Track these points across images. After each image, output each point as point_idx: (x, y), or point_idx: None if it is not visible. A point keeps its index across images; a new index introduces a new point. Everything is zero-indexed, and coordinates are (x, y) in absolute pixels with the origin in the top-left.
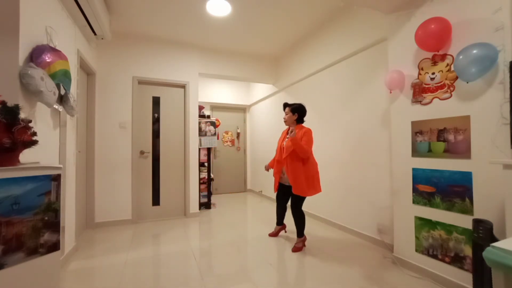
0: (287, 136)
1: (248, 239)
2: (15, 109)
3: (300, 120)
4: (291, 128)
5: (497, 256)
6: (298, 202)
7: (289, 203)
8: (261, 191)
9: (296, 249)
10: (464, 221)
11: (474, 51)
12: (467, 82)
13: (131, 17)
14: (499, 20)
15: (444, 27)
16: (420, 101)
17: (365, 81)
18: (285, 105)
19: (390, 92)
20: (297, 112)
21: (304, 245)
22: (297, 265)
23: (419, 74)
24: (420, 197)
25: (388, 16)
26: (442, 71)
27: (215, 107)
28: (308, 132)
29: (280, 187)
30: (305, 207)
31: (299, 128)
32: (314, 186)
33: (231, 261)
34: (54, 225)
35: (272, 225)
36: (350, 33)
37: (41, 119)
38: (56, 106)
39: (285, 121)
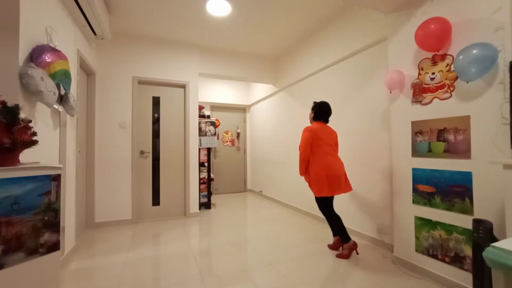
0: None
1: (248, 239)
2: (15, 109)
3: (316, 117)
4: None
5: (497, 256)
6: (317, 204)
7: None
8: (261, 191)
9: (340, 256)
10: (464, 221)
11: (474, 51)
12: (467, 82)
13: (131, 17)
14: (499, 20)
15: (444, 27)
16: (420, 101)
17: (365, 81)
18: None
19: (390, 92)
20: (313, 109)
21: (354, 252)
22: (297, 264)
23: (419, 74)
24: (420, 197)
25: (388, 16)
26: (442, 71)
27: (215, 107)
28: (302, 134)
29: None
30: (304, 206)
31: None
32: (315, 185)
33: (231, 261)
34: (54, 225)
35: (272, 225)
36: (350, 33)
37: (41, 119)
38: (56, 106)
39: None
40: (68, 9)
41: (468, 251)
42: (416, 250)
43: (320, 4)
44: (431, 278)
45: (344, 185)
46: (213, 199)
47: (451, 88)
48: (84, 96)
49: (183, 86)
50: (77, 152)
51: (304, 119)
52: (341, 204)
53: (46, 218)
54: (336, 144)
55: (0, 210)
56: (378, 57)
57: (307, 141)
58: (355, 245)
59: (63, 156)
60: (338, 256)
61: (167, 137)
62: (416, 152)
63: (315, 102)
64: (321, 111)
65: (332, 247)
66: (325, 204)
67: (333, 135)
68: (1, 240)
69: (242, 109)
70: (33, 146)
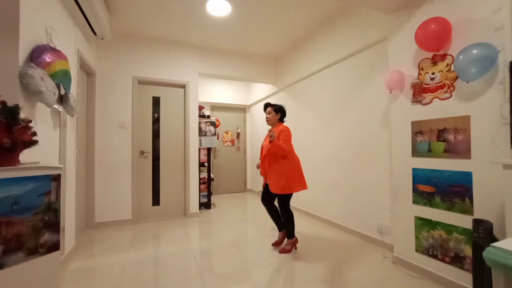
0: (270, 138)
1: (248, 239)
2: (15, 109)
3: (281, 119)
4: (270, 132)
5: (497, 256)
6: (282, 201)
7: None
8: (261, 191)
9: (283, 251)
10: (464, 221)
11: (474, 51)
12: (467, 82)
13: (131, 17)
14: (499, 20)
15: (444, 27)
16: (420, 101)
17: (365, 81)
18: (267, 105)
19: (390, 92)
20: (280, 112)
21: (294, 248)
22: (297, 265)
23: (419, 74)
24: (420, 197)
25: (388, 16)
26: (442, 71)
27: (215, 107)
28: (285, 130)
29: (265, 186)
30: (305, 207)
31: (277, 127)
32: (294, 182)
33: (231, 261)
34: (54, 225)
35: (272, 224)
36: (350, 33)
37: (41, 119)
38: (56, 106)
39: (267, 120)
40: (68, 9)
41: (468, 251)
42: (416, 250)
43: (320, 4)
44: (431, 278)
45: None
46: (213, 199)
47: (451, 88)
48: (84, 96)
49: (183, 86)
50: (77, 152)
51: (303, 119)
52: (341, 204)
53: (46, 218)
54: None
55: (0, 210)
56: (378, 57)
57: (290, 137)
58: (296, 240)
59: (63, 156)
60: (281, 251)
61: (167, 137)
62: (416, 152)
63: (278, 105)
64: (285, 115)
65: (277, 243)
66: (289, 199)
67: None
68: (1, 240)
69: (242, 109)
70: (33, 146)
